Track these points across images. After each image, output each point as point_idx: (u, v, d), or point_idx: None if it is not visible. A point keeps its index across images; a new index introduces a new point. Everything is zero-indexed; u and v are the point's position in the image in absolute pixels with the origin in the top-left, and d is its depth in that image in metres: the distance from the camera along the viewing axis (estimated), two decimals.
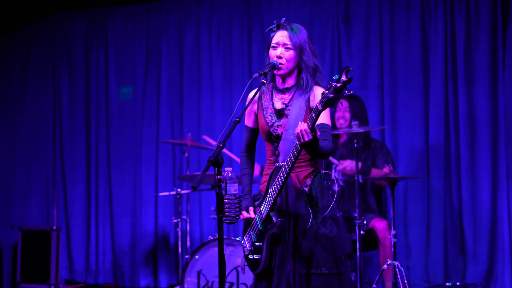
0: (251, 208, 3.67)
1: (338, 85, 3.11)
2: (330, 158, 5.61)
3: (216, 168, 3.22)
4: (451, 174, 6.19)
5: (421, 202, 6.26)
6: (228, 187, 3.41)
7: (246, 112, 3.79)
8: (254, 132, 3.81)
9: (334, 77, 3.12)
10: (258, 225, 3.61)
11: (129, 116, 7.42)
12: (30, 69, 7.82)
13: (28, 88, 7.80)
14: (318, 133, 3.30)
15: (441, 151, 6.21)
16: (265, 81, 3.57)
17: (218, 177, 3.24)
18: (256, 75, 3.52)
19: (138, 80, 7.41)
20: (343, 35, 6.61)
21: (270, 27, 3.69)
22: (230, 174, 3.41)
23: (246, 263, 3.74)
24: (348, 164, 5.53)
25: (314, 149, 3.36)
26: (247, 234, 3.71)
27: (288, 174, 3.42)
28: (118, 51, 7.52)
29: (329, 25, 6.64)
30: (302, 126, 3.25)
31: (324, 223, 3.54)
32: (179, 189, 6.07)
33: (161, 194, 6.59)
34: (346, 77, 3.09)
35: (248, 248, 3.69)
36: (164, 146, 7.19)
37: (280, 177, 3.45)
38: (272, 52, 3.63)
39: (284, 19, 3.66)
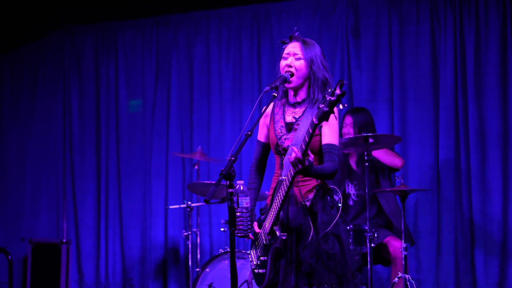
0: (254, 223, 3.68)
1: (333, 98, 3.13)
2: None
3: (228, 182, 3.23)
4: (461, 187, 6.17)
5: (432, 215, 6.24)
6: (240, 201, 3.41)
7: (259, 126, 3.80)
8: (265, 147, 3.82)
9: (329, 90, 3.14)
10: (263, 239, 3.62)
11: (139, 129, 7.44)
12: (40, 82, 7.85)
13: (38, 101, 7.83)
14: (312, 156, 3.32)
15: (451, 164, 6.20)
16: (276, 95, 3.57)
17: (230, 190, 3.24)
18: (267, 88, 3.53)
19: (148, 93, 7.43)
20: (352, 48, 6.62)
21: (282, 39, 3.72)
22: (242, 188, 3.42)
23: (253, 277, 3.74)
24: None
25: (308, 174, 3.39)
26: (254, 249, 3.71)
27: (288, 190, 3.43)
28: (127, 64, 7.55)
29: (339, 38, 6.65)
30: (294, 154, 3.26)
31: (325, 239, 3.52)
32: (189, 202, 6.08)
33: (171, 207, 6.59)
34: (340, 91, 3.12)
35: (255, 262, 3.69)
36: (173, 158, 7.20)
37: (282, 191, 3.46)
38: (282, 62, 3.65)
39: (298, 33, 3.68)
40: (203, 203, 6.17)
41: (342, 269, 3.51)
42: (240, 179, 3.51)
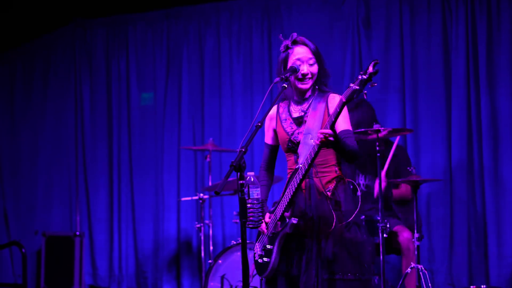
0: (267, 214, 3.68)
1: (365, 76, 3.13)
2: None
3: (238, 173, 3.23)
4: (474, 177, 6.14)
5: (444, 205, 6.22)
6: (250, 192, 3.41)
7: (265, 129, 3.82)
8: (273, 149, 3.85)
9: (360, 72, 3.14)
10: (271, 228, 3.61)
11: (150, 122, 7.45)
12: (51, 76, 7.88)
13: (50, 95, 7.86)
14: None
15: (463, 154, 6.17)
16: (286, 86, 3.58)
17: (241, 181, 3.25)
18: (277, 79, 3.58)
19: (159, 86, 7.45)
20: (363, 38, 6.59)
21: (285, 45, 3.71)
22: (252, 179, 3.42)
23: (255, 269, 3.74)
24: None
25: (337, 144, 3.35)
26: (260, 240, 3.71)
27: (305, 173, 3.43)
28: (138, 58, 7.56)
29: (349, 29, 6.62)
30: (323, 130, 3.26)
31: (348, 228, 3.52)
32: (201, 194, 6.09)
33: (183, 199, 6.61)
34: (373, 69, 3.11)
35: (258, 253, 3.69)
36: (185, 151, 7.22)
37: (298, 176, 3.46)
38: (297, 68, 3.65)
39: (296, 34, 3.69)
40: (215, 195, 6.19)
41: (366, 258, 3.53)
42: (251, 171, 3.51)
